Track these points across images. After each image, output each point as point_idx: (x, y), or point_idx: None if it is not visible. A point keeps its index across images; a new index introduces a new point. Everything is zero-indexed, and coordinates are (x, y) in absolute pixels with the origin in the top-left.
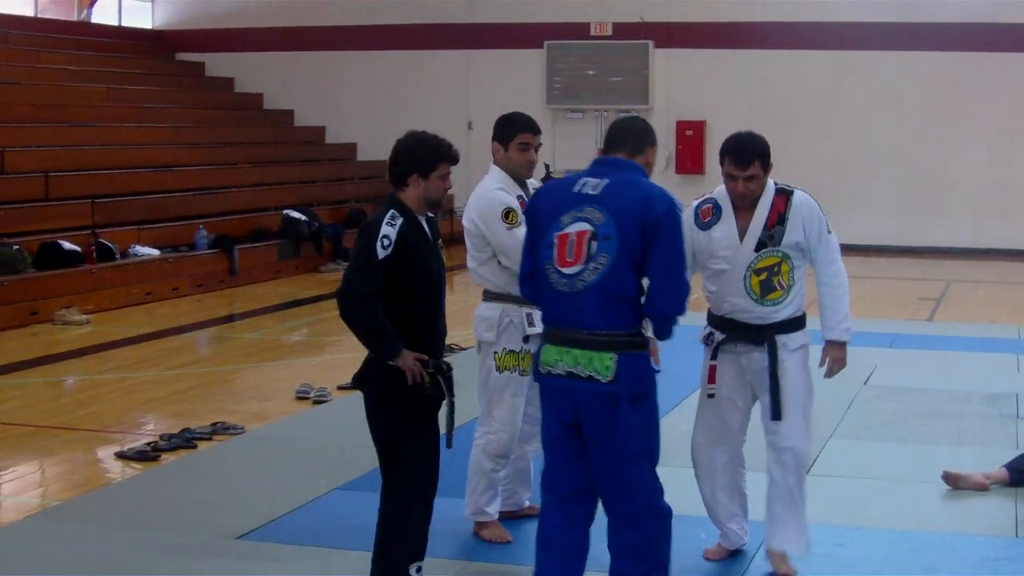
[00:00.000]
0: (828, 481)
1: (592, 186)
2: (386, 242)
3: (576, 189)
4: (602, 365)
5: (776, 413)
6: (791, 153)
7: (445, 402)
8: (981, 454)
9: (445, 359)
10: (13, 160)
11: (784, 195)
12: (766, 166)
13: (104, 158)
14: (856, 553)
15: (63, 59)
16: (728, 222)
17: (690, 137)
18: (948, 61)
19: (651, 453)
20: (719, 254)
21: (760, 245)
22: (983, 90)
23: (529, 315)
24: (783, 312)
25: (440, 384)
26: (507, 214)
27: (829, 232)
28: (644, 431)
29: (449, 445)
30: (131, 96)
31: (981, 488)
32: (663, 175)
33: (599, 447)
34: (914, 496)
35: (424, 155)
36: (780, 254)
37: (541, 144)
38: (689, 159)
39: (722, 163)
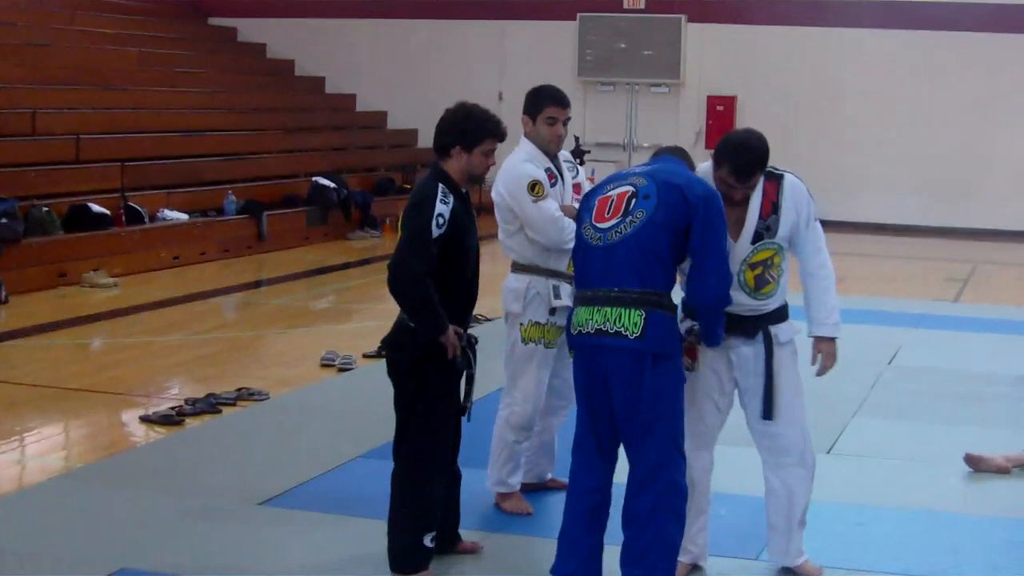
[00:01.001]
0: (850, 460)
1: (640, 167)
2: (440, 220)
3: (624, 171)
4: (630, 321)
5: (768, 412)
6: (821, 131)
7: (465, 373)
8: (1004, 436)
9: (471, 331)
10: (44, 122)
11: (774, 180)
12: (764, 169)
13: (135, 122)
14: (877, 533)
15: (97, 22)
16: None
17: (721, 112)
18: (984, 41)
19: (672, 418)
20: None
21: (756, 237)
22: (1018, 72)
23: (556, 287)
24: (773, 303)
25: (469, 357)
26: (533, 186)
27: (816, 219)
28: (667, 393)
29: (468, 418)
30: (163, 60)
31: (1003, 471)
32: (693, 150)
33: (623, 406)
34: (936, 477)
35: (471, 128)
36: (775, 246)
37: (570, 118)
38: (719, 134)
39: (718, 165)
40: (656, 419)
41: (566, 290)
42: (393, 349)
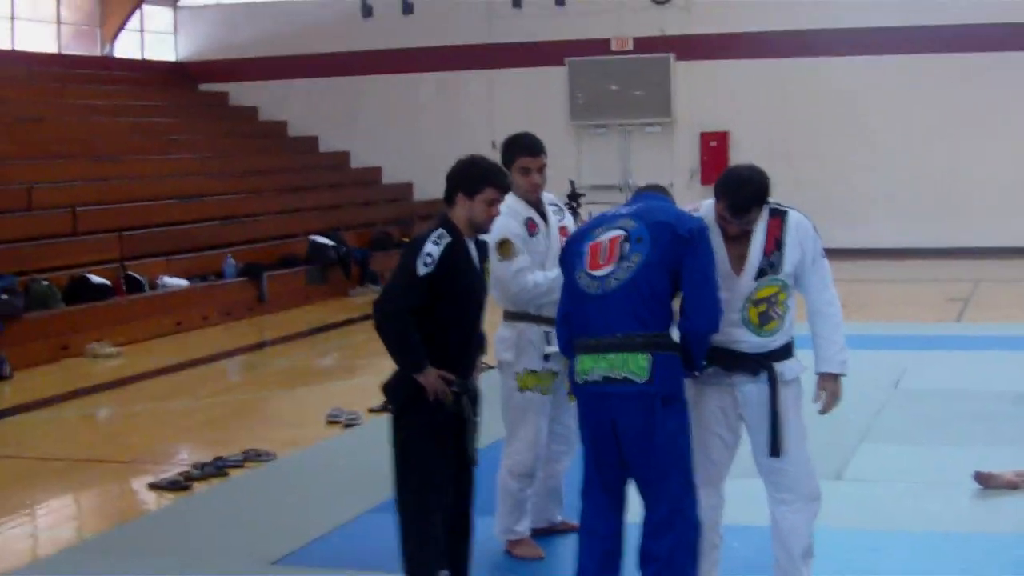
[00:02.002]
0: (860, 485)
1: (626, 208)
2: (428, 260)
3: (610, 213)
4: (637, 366)
5: (775, 449)
6: (814, 159)
7: (467, 422)
8: (1013, 453)
9: (473, 380)
10: (40, 196)
11: (778, 217)
12: (763, 205)
13: (130, 191)
14: (890, 557)
15: (87, 94)
16: (717, 245)
17: (714, 148)
18: (970, 62)
19: (684, 459)
20: None
21: (760, 273)
22: (1006, 89)
23: (548, 333)
24: (778, 340)
25: (462, 404)
26: (500, 245)
27: (823, 256)
28: (678, 436)
29: (474, 464)
30: (156, 128)
31: (1013, 487)
32: (688, 187)
33: (635, 451)
34: (946, 498)
35: (472, 177)
36: (779, 283)
37: (545, 164)
38: (714, 170)
39: (717, 199)
40: (672, 463)
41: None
42: (388, 390)
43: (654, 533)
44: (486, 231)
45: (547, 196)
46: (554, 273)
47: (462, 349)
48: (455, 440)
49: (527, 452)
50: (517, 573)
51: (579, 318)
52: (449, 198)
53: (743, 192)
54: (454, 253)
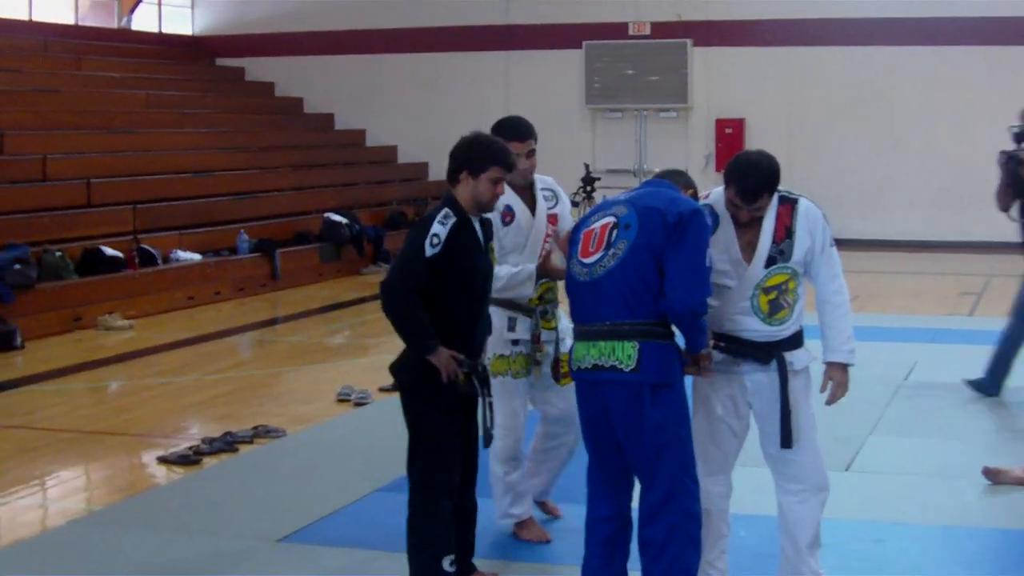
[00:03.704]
0: (868, 477)
1: (625, 194)
2: (435, 240)
3: (610, 200)
4: (624, 354)
5: (787, 440)
6: (829, 149)
7: (481, 402)
8: (1022, 449)
9: (483, 360)
10: (55, 167)
11: (789, 204)
12: (773, 191)
13: (145, 164)
14: (895, 549)
15: (104, 66)
16: (727, 232)
17: (730, 135)
18: (988, 55)
19: (679, 447)
20: (718, 267)
21: (770, 261)
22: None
23: (512, 319)
24: (788, 330)
25: (474, 383)
26: None
27: (832, 245)
28: (669, 423)
29: (486, 444)
30: (171, 102)
31: (1021, 483)
32: (703, 174)
33: (627, 439)
34: (954, 492)
35: (476, 155)
36: (790, 270)
37: (534, 148)
38: (729, 157)
39: (726, 185)
40: (662, 449)
41: (523, 323)
42: (396, 372)
43: (647, 520)
44: (490, 210)
45: (545, 180)
46: (517, 268)
47: (471, 329)
48: (464, 420)
49: (506, 437)
50: (523, 556)
51: (574, 305)
52: (453, 177)
53: (752, 178)
54: (460, 233)
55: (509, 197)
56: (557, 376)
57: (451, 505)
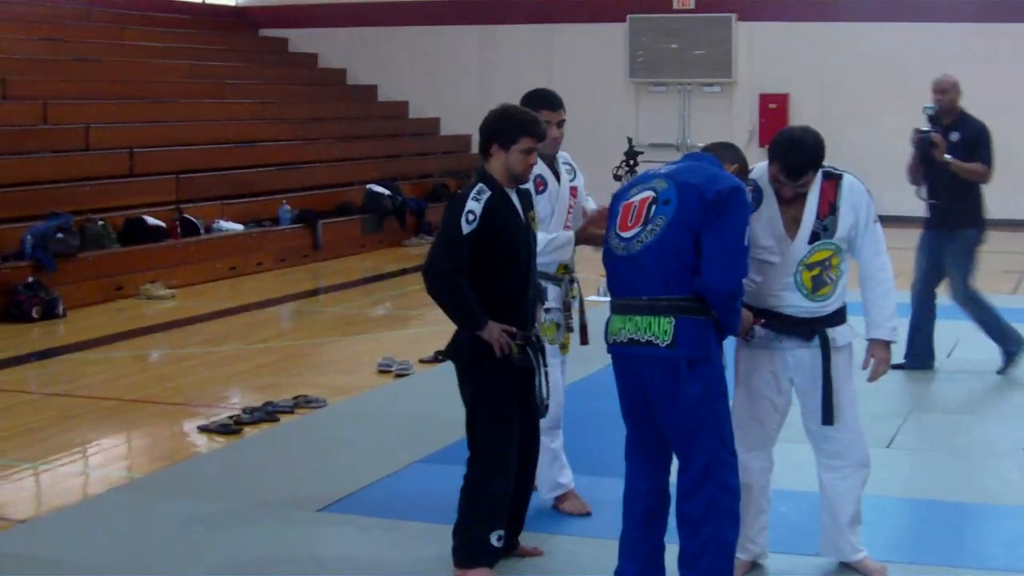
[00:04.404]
0: (910, 455)
1: (666, 168)
2: (471, 217)
3: (650, 172)
4: (660, 329)
5: (828, 417)
6: (874, 125)
7: (537, 372)
8: None
9: (536, 330)
10: (98, 136)
11: (833, 180)
12: (818, 168)
13: (188, 134)
14: (936, 526)
15: (146, 36)
16: (771, 208)
17: (773, 111)
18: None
19: (716, 422)
20: (761, 243)
21: (813, 237)
22: None
23: (544, 289)
24: (831, 306)
25: (529, 355)
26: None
27: (876, 221)
28: (707, 398)
29: (543, 415)
30: (214, 72)
31: None
32: (746, 149)
33: (663, 413)
34: (995, 470)
35: (506, 126)
36: (833, 246)
37: (564, 119)
38: (772, 132)
39: (771, 162)
40: (700, 424)
41: (553, 292)
42: (451, 353)
43: (685, 496)
44: (525, 181)
45: (563, 155)
46: (554, 234)
47: (518, 301)
48: (523, 393)
49: (550, 403)
50: (565, 529)
51: (611, 279)
52: (485, 150)
53: (796, 154)
54: (498, 207)
55: (539, 167)
56: (585, 340)
57: (510, 481)
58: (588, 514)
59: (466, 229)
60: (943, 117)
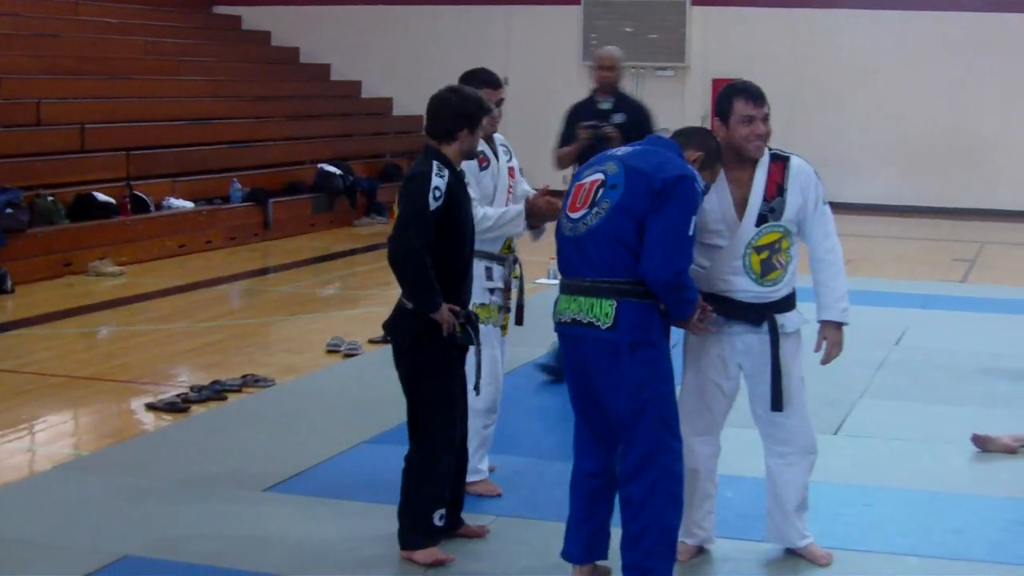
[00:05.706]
0: (857, 441)
1: (620, 150)
2: (437, 193)
3: (605, 154)
4: (601, 311)
5: (777, 403)
6: (827, 112)
7: (473, 350)
8: (1011, 417)
9: (470, 308)
10: (49, 112)
11: (780, 162)
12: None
13: (140, 110)
14: (883, 514)
15: (102, 11)
16: (722, 191)
17: None
18: (995, 21)
19: (659, 406)
20: (712, 227)
21: (761, 219)
22: (1021, 50)
23: (489, 269)
24: (781, 291)
25: (470, 333)
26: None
27: (825, 203)
28: (650, 382)
29: (477, 392)
30: (168, 49)
31: (1010, 451)
32: None
33: (606, 396)
34: (942, 458)
35: (471, 110)
36: (782, 229)
37: (503, 98)
38: None
39: (729, 110)
40: (643, 408)
41: (498, 271)
42: (392, 330)
43: (628, 479)
44: (472, 158)
45: (497, 137)
46: (503, 208)
47: (462, 279)
48: (461, 373)
49: (488, 387)
50: (512, 511)
51: (560, 258)
52: (449, 135)
53: (753, 85)
54: (454, 186)
55: (480, 144)
56: (520, 320)
57: (452, 460)
58: (499, 495)
59: (433, 205)
60: (606, 97)
